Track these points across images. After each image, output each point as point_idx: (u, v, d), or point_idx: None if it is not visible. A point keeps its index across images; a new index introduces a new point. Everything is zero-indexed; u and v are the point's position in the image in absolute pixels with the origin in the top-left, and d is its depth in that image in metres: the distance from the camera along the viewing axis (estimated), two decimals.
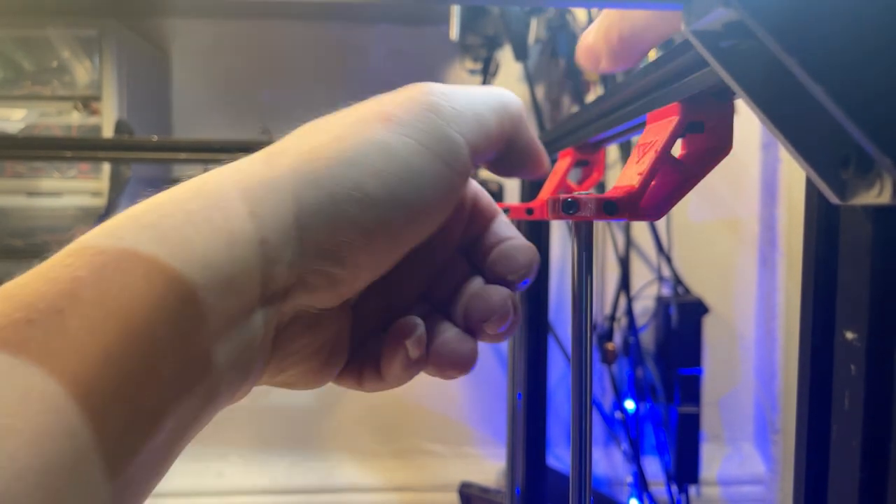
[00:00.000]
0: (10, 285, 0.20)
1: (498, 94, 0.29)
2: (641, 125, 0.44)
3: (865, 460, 0.19)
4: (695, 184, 0.36)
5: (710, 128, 0.35)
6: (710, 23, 0.18)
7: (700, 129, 0.35)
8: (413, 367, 0.28)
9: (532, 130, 0.31)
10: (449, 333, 0.28)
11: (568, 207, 0.35)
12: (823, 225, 0.20)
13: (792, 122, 0.19)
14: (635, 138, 0.47)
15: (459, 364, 0.28)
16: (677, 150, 0.37)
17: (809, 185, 0.20)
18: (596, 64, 0.35)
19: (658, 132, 0.36)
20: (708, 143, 0.35)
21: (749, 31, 0.17)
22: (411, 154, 0.24)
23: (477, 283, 0.30)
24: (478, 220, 0.32)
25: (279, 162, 0.24)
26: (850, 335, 0.19)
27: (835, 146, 0.18)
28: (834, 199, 0.19)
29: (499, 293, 0.28)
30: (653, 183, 0.35)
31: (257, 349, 0.23)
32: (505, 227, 0.31)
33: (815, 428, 0.22)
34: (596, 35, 0.35)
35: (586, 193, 0.36)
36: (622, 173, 0.37)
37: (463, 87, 0.28)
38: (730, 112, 0.34)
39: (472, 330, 0.29)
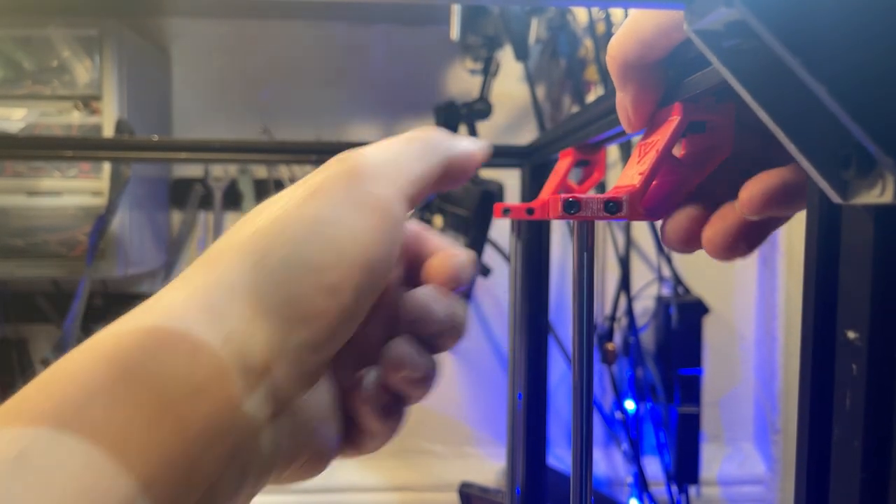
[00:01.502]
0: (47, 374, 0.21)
1: (418, 140, 0.30)
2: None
3: (867, 461, 0.19)
4: (696, 183, 0.36)
5: (712, 128, 0.35)
6: (713, 22, 0.18)
7: (701, 129, 0.35)
8: (381, 409, 0.29)
9: (462, 143, 0.32)
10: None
11: (569, 207, 0.35)
12: (825, 225, 0.20)
13: (794, 121, 0.19)
14: (636, 138, 0.47)
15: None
16: (678, 149, 0.37)
17: (811, 184, 0.20)
18: (626, 114, 0.34)
19: (659, 132, 0.36)
20: (709, 143, 0.35)
21: (751, 30, 0.17)
22: (346, 218, 0.25)
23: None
24: (409, 255, 0.32)
25: (220, 262, 0.24)
26: (851, 335, 0.19)
27: (836, 146, 0.18)
28: (835, 198, 0.19)
29: (396, 346, 0.29)
30: (654, 183, 0.35)
31: (260, 441, 0.23)
32: (432, 271, 0.31)
33: (816, 428, 0.22)
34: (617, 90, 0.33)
35: (588, 194, 0.36)
36: (623, 173, 0.37)
37: (383, 145, 0.29)
38: (731, 112, 0.34)
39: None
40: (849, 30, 0.16)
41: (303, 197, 0.26)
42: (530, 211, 0.60)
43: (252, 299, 0.23)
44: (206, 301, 0.23)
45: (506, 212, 0.63)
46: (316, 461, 0.28)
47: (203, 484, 0.21)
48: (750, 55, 0.18)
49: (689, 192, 0.36)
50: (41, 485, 0.18)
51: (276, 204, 0.26)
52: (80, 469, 0.19)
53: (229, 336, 0.23)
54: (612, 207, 0.34)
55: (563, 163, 0.61)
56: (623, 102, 0.34)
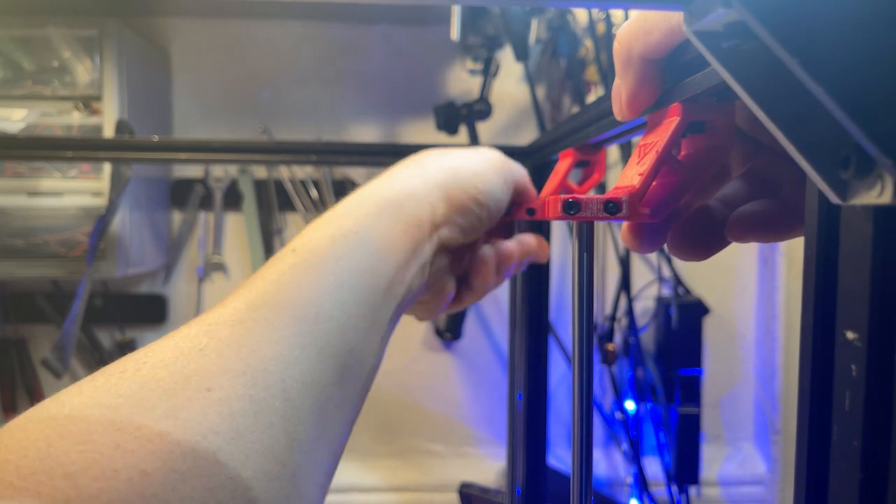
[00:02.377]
0: None
1: (509, 163, 0.53)
2: (642, 126, 0.44)
3: (866, 461, 0.19)
4: (696, 184, 0.36)
5: (711, 128, 0.35)
6: (711, 23, 0.18)
7: (701, 130, 0.35)
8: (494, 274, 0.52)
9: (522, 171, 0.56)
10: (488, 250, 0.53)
11: (569, 208, 0.35)
12: (824, 225, 0.20)
13: (793, 122, 0.19)
14: (636, 139, 0.47)
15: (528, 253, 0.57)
16: (678, 150, 0.37)
17: (810, 184, 0.20)
18: (619, 102, 0.35)
19: (659, 132, 0.36)
20: (709, 143, 0.35)
21: (750, 31, 0.17)
22: (495, 179, 0.48)
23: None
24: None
25: (431, 172, 0.45)
26: (850, 335, 0.19)
27: (835, 146, 0.18)
28: (834, 199, 0.19)
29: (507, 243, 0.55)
30: (654, 183, 0.35)
31: (428, 264, 0.43)
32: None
33: (816, 429, 0.22)
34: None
35: (587, 194, 0.36)
36: (623, 174, 0.37)
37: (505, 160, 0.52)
38: (731, 112, 0.34)
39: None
40: (848, 30, 0.16)
41: (476, 160, 0.48)
42: (531, 211, 0.60)
43: (445, 196, 0.44)
44: (425, 189, 0.43)
45: (507, 212, 0.63)
46: (436, 303, 0.48)
47: (414, 273, 0.40)
48: (749, 56, 0.18)
49: (689, 193, 0.36)
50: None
51: (472, 153, 0.49)
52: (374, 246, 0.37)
53: (430, 206, 0.42)
54: (612, 208, 0.34)
55: (563, 163, 0.61)
56: (619, 90, 0.34)
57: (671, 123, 0.35)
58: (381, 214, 0.39)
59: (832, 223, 0.20)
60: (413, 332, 1.20)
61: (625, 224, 0.36)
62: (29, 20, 0.94)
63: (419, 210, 0.41)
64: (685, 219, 0.34)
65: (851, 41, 0.16)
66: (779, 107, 0.19)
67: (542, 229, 0.81)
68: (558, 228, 1.18)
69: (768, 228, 0.30)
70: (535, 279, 0.79)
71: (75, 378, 1.16)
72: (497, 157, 0.51)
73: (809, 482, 0.21)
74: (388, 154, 0.89)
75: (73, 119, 0.94)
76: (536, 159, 0.80)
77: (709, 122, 0.35)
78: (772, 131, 0.19)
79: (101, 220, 0.91)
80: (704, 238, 0.33)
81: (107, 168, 0.94)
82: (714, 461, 1.21)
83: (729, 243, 0.32)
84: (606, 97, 0.52)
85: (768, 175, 0.35)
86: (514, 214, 0.62)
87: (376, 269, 0.37)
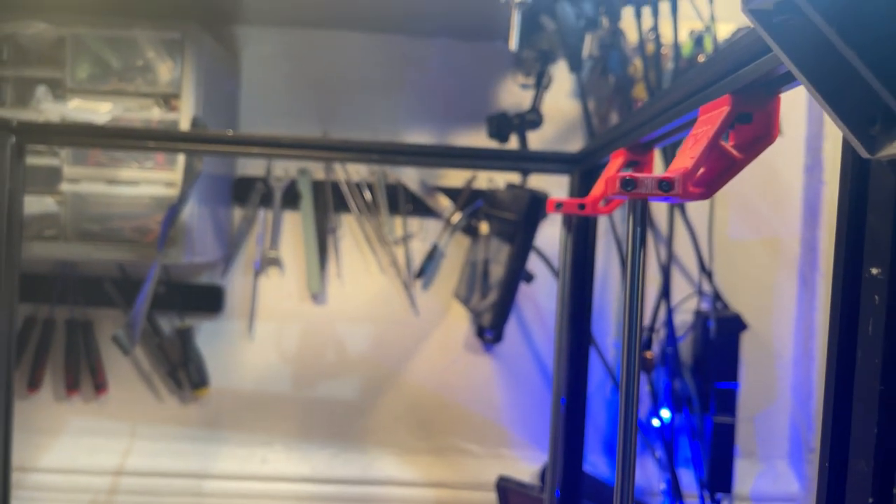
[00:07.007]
0: None
1: None
2: (691, 123, 0.48)
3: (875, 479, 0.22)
4: (741, 168, 0.40)
5: (758, 118, 0.39)
6: (765, 2, 0.22)
7: (748, 120, 0.39)
8: None
9: None
10: None
11: (626, 185, 0.39)
12: (856, 176, 0.24)
13: (831, 86, 0.23)
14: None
15: None
16: (727, 138, 0.41)
17: (844, 141, 0.24)
18: None
19: (709, 122, 0.40)
20: (756, 133, 0.39)
21: (797, 7, 0.21)
22: None
23: None
24: None
25: None
26: (876, 298, 0.23)
27: (866, 106, 0.22)
28: (864, 153, 0.23)
29: None
30: (703, 168, 0.39)
31: None
32: None
33: (837, 447, 0.25)
34: None
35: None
36: (676, 158, 0.41)
37: None
38: (776, 103, 0.38)
39: None
40: (880, 3, 0.20)
41: None
42: (582, 206, 0.64)
43: None
44: None
45: (558, 206, 0.67)
46: None
47: None
48: (795, 29, 0.22)
49: (735, 175, 0.40)
50: None
51: None
52: None
53: None
54: (665, 185, 0.38)
55: (615, 163, 0.65)
56: None
57: (721, 114, 0.39)
58: None
59: (862, 175, 0.24)
60: (455, 332, 1.24)
61: None
62: (118, 21, 1.02)
63: None
64: None
65: (883, 13, 0.20)
66: (819, 73, 0.23)
67: (589, 230, 0.85)
68: (601, 239, 1.22)
69: None
70: (578, 289, 0.83)
71: (137, 359, 1.22)
72: None
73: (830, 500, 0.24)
74: (444, 156, 0.94)
75: (153, 114, 1.01)
76: (585, 165, 0.84)
77: (756, 113, 0.39)
78: (812, 95, 0.23)
79: (173, 210, 0.98)
80: None
81: (181, 160, 1.00)
82: (747, 477, 1.22)
83: None
84: (659, 96, 0.56)
85: None
86: (564, 208, 0.66)
87: None
